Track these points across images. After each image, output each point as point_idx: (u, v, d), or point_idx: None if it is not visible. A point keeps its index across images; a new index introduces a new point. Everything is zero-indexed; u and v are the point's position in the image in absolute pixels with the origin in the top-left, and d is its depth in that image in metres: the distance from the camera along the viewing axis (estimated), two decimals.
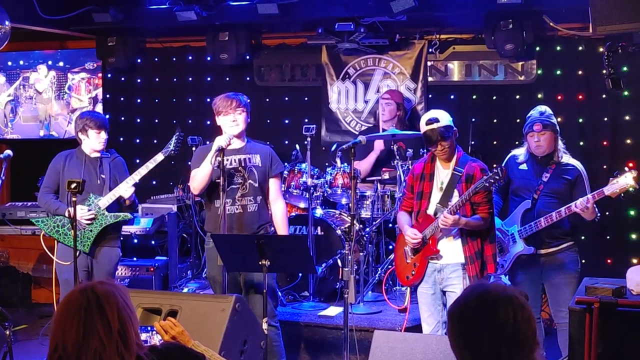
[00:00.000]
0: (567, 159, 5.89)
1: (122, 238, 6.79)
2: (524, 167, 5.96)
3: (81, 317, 2.75)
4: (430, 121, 5.31)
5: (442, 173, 5.44)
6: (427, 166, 5.50)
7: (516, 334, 2.43)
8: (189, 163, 7.96)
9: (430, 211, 5.38)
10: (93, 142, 6.42)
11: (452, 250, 5.36)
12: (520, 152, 6.03)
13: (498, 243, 5.82)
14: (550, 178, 5.81)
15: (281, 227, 5.95)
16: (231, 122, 5.79)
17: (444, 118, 5.33)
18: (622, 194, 5.54)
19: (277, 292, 6.01)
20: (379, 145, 7.80)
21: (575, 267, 5.84)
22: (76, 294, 2.83)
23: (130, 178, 6.38)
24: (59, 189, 6.47)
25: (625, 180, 5.44)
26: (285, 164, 7.02)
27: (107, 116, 9.49)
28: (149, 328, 4.20)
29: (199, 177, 5.80)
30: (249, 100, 5.99)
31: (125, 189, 6.35)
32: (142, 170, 6.40)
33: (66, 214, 6.25)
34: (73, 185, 5.70)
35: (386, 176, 7.52)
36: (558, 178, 5.81)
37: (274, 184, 5.97)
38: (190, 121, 9.38)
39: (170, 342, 3.58)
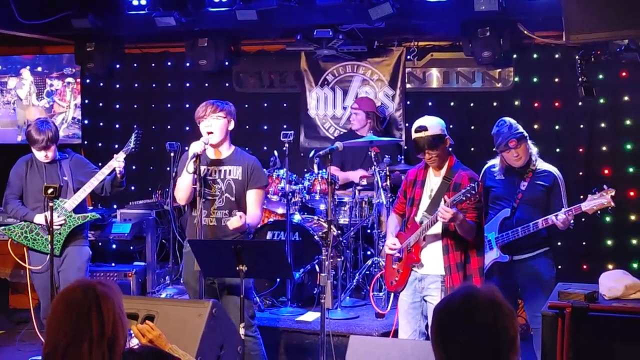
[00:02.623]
0: (541, 165, 5.93)
1: (91, 239, 6.87)
2: (501, 177, 6.00)
3: (78, 316, 2.74)
4: (419, 129, 5.25)
5: (433, 180, 5.39)
6: (420, 172, 5.46)
7: (492, 338, 2.45)
8: (168, 169, 8.00)
9: (418, 218, 5.34)
10: (37, 156, 6.46)
11: (433, 261, 5.30)
12: (496, 162, 6.07)
13: None
14: (527, 186, 5.85)
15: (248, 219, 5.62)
16: (206, 128, 5.67)
17: (434, 126, 5.25)
18: (599, 211, 5.60)
19: (253, 300, 5.83)
20: (360, 177, 7.74)
21: (551, 273, 5.88)
22: (77, 292, 2.81)
23: (110, 164, 6.38)
24: (22, 195, 6.50)
25: (602, 200, 5.51)
26: (264, 170, 6.92)
27: (86, 121, 9.53)
28: None
29: (181, 187, 5.70)
30: (231, 108, 5.82)
31: (118, 163, 6.34)
32: (105, 170, 6.39)
33: (36, 220, 6.30)
34: (50, 191, 5.72)
35: (364, 182, 7.56)
36: (535, 186, 5.86)
37: (250, 196, 5.75)
38: (169, 127, 9.40)
39: (148, 347, 3.59)
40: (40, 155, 6.40)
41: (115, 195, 6.92)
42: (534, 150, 5.93)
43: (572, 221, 5.73)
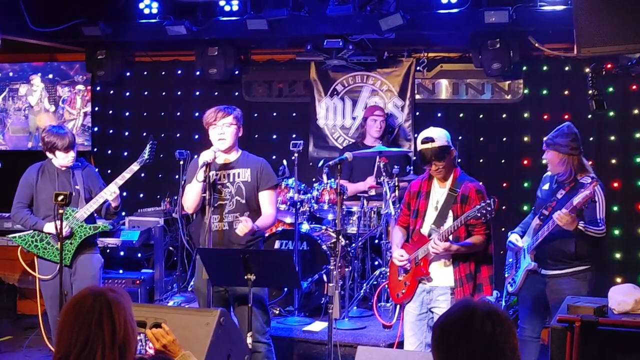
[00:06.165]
0: (586, 179, 5.60)
1: (100, 246, 6.81)
2: (546, 187, 5.84)
3: (89, 322, 2.75)
4: (425, 140, 5.24)
5: (438, 192, 5.38)
6: (424, 184, 5.44)
7: (493, 346, 2.50)
8: (177, 177, 8.03)
9: (424, 230, 5.33)
10: (61, 161, 6.34)
11: (443, 273, 5.30)
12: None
13: (516, 258, 5.86)
14: (564, 196, 5.61)
15: (259, 220, 5.68)
16: (218, 135, 5.69)
17: (441, 138, 5.25)
18: (586, 205, 5.38)
19: (267, 307, 5.83)
20: (369, 184, 7.74)
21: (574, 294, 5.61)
22: (88, 298, 2.82)
23: (104, 191, 6.32)
24: (32, 203, 6.42)
25: (586, 191, 5.29)
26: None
27: (96, 129, 9.56)
28: None
29: (190, 195, 5.71)
30: (240, 114, 5.85)
31: (110, 193, 6.24)
32: (119, 181, 6.32)
33: (46, 229, 6.25)
34: (60, 198, 5.67)
35: (372, 192, 7.55)
36: (569, 198, 5.49)
37: (264, 197, 5.77)
38: (178, 135, 9.42)
39: (159, 357, 3.59)
40: (65, 158, 6.31)
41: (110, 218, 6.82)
42: (585, 164, 5.68)
43: (580, 222, 5.39)
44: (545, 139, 5.78)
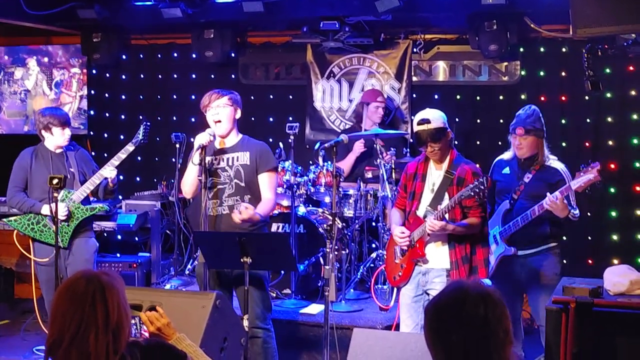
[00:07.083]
0: (552, 162, 5.81)
1: (96, 230, 6.89)
2: (506, 170, 5.93)
3: (83, 306, 2.75)
4: (421, 122, 5.22)
5: (435, 174, 5.35)
6: (421, 166, 5.42)
7: (486, 329, 2.50)
8: (173, 160, 8.01)
9: (420, 213, 5.31)
10: (57, 139, 6.37)
11: (438, 255, 5.29)
12: (506, 155, 6.01)
13: None
14: (531, 179, 5.75)
15: (259, 207, 5.58)
16: (213, 117, 5.63)
17: (437, 119, 5.22)
18: (588, 189, 5.49)
19: (268, 292, 5.80)
20: (358, 146, 7.78)
21: (553, 270, 5.76)
22: (81, 282, 2.82)
23: (102, 169, 6.34)
24: (27, 187, 6.44)
25: (589, 175, 5.37)
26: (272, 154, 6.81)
27: (92, 112, 9.54)
28: None
29: (187, 180, 5.67)
30: (237, 96, 5.78)
31: (109, 171, 6.30)
32: (115, 162, 6.35)
33: (43, 212, 6.26)
34: (55, 181, 5.68)
35: (369, 175, 7.55)
36: (538, 181, 5.73)
37: (262, 180, 5.68)
38: (174, 118, 9.40)
39: (154, 340, 3.59)
40: (62, 136, 6.36)
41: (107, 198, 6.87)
42: (546, 151, 5.81)
43: (573, 210, 5.60)
44: (521, 125, 5.78)
